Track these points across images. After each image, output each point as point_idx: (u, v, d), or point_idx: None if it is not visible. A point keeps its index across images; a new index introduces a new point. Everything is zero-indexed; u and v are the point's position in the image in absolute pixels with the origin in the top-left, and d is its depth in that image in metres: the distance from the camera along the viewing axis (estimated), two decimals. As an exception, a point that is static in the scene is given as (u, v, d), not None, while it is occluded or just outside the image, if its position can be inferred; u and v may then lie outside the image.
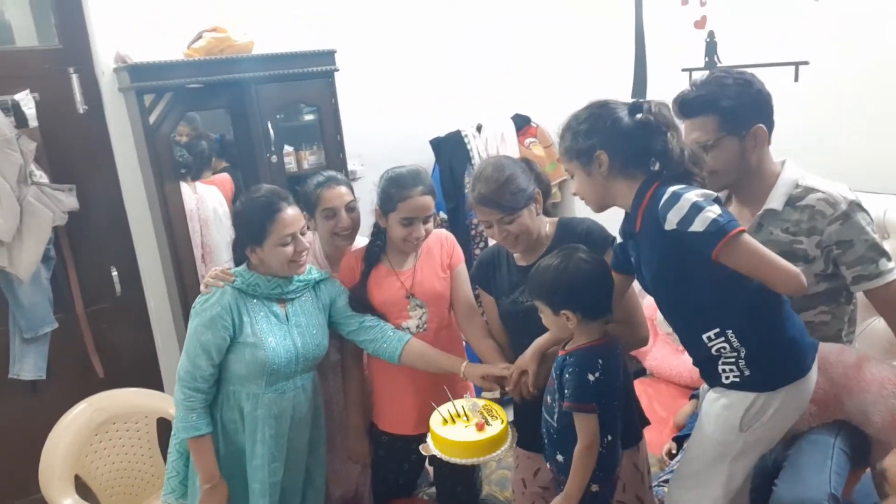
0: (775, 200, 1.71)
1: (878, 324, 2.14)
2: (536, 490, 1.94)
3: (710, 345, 1.50)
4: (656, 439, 2.33)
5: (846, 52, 2.38)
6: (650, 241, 1.49)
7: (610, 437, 1.59)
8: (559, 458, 1.63)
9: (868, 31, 2.31)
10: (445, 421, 1.77)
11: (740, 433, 1.50)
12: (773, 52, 2.53)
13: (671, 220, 1.39)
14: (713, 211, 1.36)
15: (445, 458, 1.73)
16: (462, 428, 1.74)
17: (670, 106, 1.56)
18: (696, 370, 1.61)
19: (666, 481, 2.17)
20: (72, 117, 2.69)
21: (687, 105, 1.70)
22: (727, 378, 1.50)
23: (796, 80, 2.51)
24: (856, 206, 1.64)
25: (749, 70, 1.74)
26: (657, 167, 1.50)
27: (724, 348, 1.49)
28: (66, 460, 2.22)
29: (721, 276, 1.42)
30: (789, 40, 2.53)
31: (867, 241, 1.62)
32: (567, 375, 1.58)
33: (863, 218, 1.64)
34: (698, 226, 1.36)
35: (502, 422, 1.75)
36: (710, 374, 1.55)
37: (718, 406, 1.53)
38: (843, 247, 1.63)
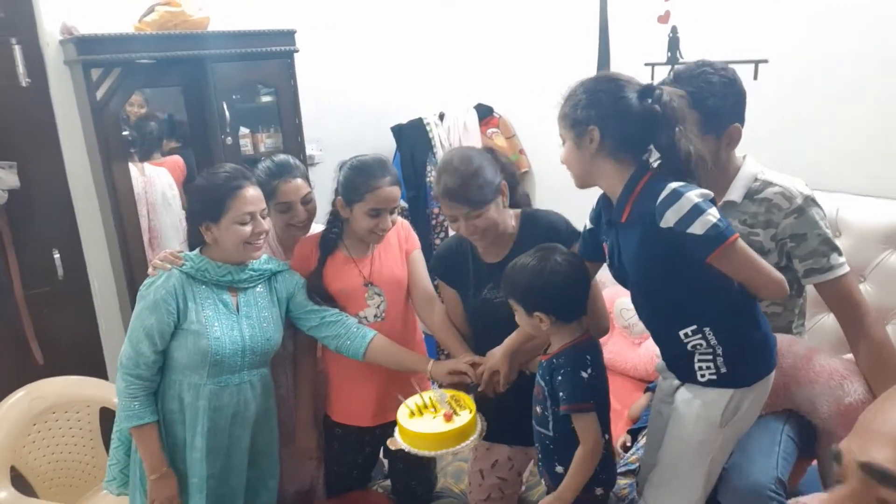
0: (735, 193, 1.72)
1: (827, 320, 2.19)
2: (494, 481, 1.93)
3: (686, 341, 1.49)
4: (612, 431, 2.33)
5: (805, 52, 2.42)
6: (639, 234, 1.44)
7: (607, 436, 1.56)
8: (558, 469, 1.56)
9: (826, 32, 2.35)
10: (413, 413, 1.72)
11: (720, 430, 1.51)
12: (734, 49, 2.56)
13: (668, 219, 1.36)
14: (713, 215, 1.34)
15: (414, 451, 1.66)
16: (430, 419, 1.69)
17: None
18: (652, 364, 1.60)
19: (621, 474, 2.17)
20: (14, 91, 2.57)
21: None
22: (703, 376, 1.50)
23: (755, 77, 2.54)
24: (811, 200, 1.67)
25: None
26: (653, 159, 1.46)
27: (701, 345, 1.48)
28: (2, 451, 2.11)
29: (706, 277, 1.41)
30: (750, 38, 2.56)
31: (820, 235, 1.64)
32: (560, 378, 1.52)
33: (817, 213, 1.66)
34: (697, 228, 1.34)
35: (470, 411, 1.70)
36: (685, 371, 1.54)
37: (696, 406, 1.52)
38: (796, 240, 1.65)
